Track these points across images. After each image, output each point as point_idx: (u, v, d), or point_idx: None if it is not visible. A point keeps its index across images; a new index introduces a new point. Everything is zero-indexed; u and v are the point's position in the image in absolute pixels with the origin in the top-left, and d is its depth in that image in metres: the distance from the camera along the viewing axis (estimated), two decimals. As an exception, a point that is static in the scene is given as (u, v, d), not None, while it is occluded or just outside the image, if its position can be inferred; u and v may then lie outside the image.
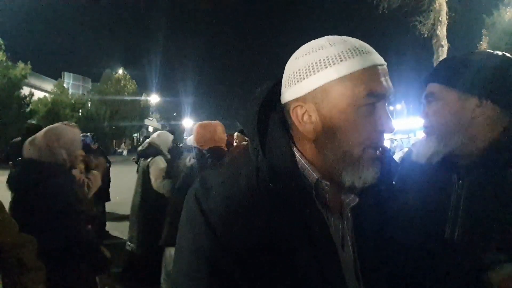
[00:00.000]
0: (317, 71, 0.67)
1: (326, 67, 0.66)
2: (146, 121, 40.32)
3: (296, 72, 0.69)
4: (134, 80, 37.32)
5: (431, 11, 12.54)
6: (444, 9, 12.44)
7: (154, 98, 42.72)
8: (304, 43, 0.74)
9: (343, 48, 0.67)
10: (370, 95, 0.65)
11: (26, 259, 0.82)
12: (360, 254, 0.73)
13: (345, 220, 0.74)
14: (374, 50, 0.69)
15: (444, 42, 12.44)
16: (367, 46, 0.69)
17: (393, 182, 0.83)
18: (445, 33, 12.48)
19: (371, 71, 0.66)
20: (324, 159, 0.70)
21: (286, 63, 0.75)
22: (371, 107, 0.66)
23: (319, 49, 0.68)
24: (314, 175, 0.70)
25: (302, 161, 0.72)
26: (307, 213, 0.67)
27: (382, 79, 0.67)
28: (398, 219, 0.86)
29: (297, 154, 0.72)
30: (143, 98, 38.71)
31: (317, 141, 0.70)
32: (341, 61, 0.66)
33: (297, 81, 0.69)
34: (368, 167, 0.68)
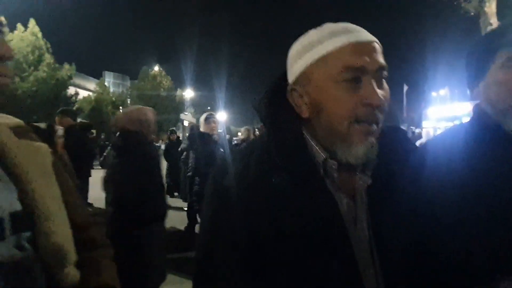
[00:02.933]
0: (301, 56, 0.74)
1: (307, 52, 0.73)
2: (182, 116, 41.59)
3: (290, 60, 0.78)
4: (169, 76, 38.55)
5: (478, -14, 11.50)
6: (494, -17, 11.34)
7: (188, 93, 43.88)
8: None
9: (324, 33, 0.73)
10: (347, 70, 0.68)
11: (97, 237, 0.90)
12: (376, 231, 0.74)
13: (359, 198, 0.75)
14: (360, 29, 0.73)
15: (494, 20, 11.33)
16: (351, 26, 0.73)
17: (416, 162, 0.80)
18: (494, 10, 11.37)
19: (348, 48, 0.69)
20: (319, 137, 0.75)
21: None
22: (352, 82, 0.69)
23: (305, 36, 0.76)
24: (322, 154, 0.74)
25: (312, 141, 0.76)
26: (314, 190, 0.71)
27: (363, 54, 0.69)
28: (430, 198, 0.80)
29: (307, 135, 0.76)
30: (178, 93, 39.92)
31: (312, 121, 0.75)
32: (320, 44, 0.72)
33: (290, 67, 0.77)
34: (358, 142, 0.69)
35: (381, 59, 0.71)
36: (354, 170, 0.75)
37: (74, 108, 23.06)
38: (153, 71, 38.12)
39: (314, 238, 0.68)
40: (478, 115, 0.93)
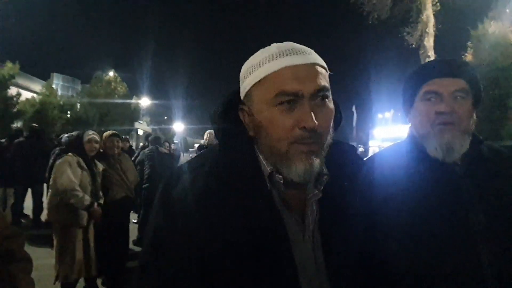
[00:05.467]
0: (245, 78, 0.76)
1: (251, 73, 0.75)
2: (136, 124, 39.85)
3: (241, 77, 0.79)
4: (124, 83, 36.95)
5: (419, 22, 12.89)
6: (432, 21, 12.80)
7: (144, 101, 42.31)
8: None
9: (266, 55, 0.73)
10: (280, 95, 0.70)
11: (15, 250, 0.84)
12: (325, 245, 0.76)
13: (309, 213, 0.77)
14: (300, 50, 0.72)
15: (431, 52, 12.79)
16: (290, 49, 0.72)
17: (363, 177, 0.88)
18: (432, 44, 12.84)
19: (283, 73, 0.70)
20: (264, 154, 0.77)
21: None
22: (287, 105, 0.70)
23: (252, 58, 0.77)
24: (268, 168, 0.75)
25: (260, 156, 0.78)
26: (260, 204, 0.72)
27: (298, 78, 0.69)
28: (376, 211, 0.91)
29: (257, 150, 0.78)
30: (133, 101, 38.30)
31: (256, 139, 0.78)
32: (259, 67, 0.73)
33: (241, 85, 0.79)
34: (298, 161, 0.70)
35: (319, 82, 0.70)
36: (304, 184, 0.75)
37: (15, 110, 21.10)
38: (108, 76, 36.30)
39: (257, 253, 0.69)
40: (409, 137, 1.13)
